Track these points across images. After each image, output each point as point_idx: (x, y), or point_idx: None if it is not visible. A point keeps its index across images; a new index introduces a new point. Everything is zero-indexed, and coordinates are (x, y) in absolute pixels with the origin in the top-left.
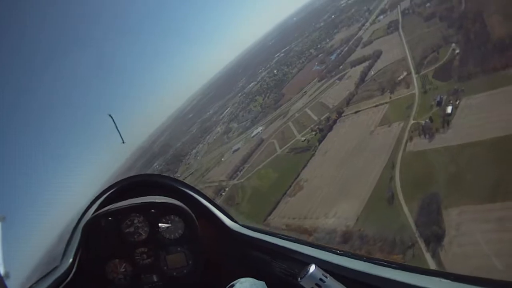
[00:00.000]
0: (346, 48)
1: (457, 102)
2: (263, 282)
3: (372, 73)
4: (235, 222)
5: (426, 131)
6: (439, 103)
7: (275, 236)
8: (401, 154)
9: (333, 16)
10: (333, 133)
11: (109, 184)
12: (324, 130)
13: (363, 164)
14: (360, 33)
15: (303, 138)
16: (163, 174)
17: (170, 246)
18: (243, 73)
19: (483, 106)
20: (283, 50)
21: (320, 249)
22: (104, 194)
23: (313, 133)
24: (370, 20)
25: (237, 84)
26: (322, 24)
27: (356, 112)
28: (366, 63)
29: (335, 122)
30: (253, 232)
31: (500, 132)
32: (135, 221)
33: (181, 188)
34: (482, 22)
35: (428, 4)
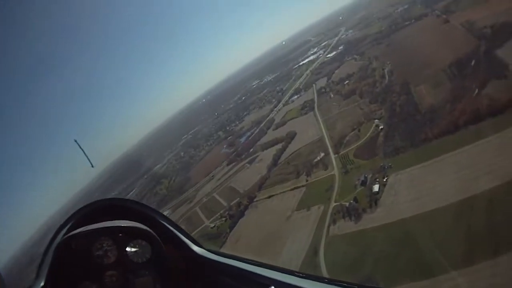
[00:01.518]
0: (257, 130)
1: (385, 179)
2: None
3: (286, 155)
4: (201, 246)
5: (352, 213)
6: (363, 183)
7: (239, 260)
8: (324, 239)
9: (243, 98)
10: (245, 219)
11: (79, 207)
12: (234, 216)
13: (281, 253)
14: (272, 114)
15: (212, 225)
16: (131, 199)
17: (138, 270)
18: (150, 155)
19: (416, 179)
20: (190, 132)
21: (283, 272)
22: (75, 217)
23: (223, 219)
24: (283, 101)
25: (143, 167)
26: (232, 105)
27: (269, 196)
28: (279, 145)
29: (246, 207)
30: (218, 256)
31: (435, 204)
32: (104, 244)
33: (148, 213)
34: (408, 94)
35: (346, 82)
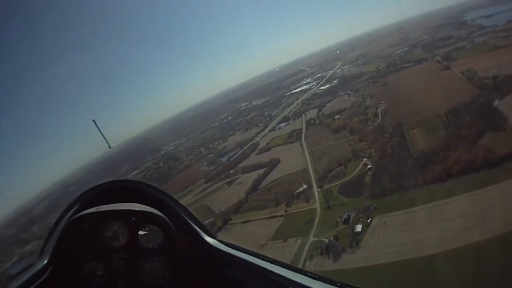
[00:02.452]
0: (240, 152)
1: (369, 220)
2: None
3: (267, 182)
4: (213, 237)
5: (331, 250)
6: (346, 221)
7: (252, 255)
8: None
9: (230, 118)
10: None
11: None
12: None
13: None
14: (258, 138)
15: None
16: (146, 183)
17: (147, 255)
18: (129, 159)
19: (402, 224)
20: (172, 144)
21: (297, 272)
22: (85, 196)
23: None
24: (270, 126)
25: (121, 169)
26: (217, 123)
27: (245, 221)
28: (261, 171)
29: (220, 229)
30: (230, 249)
31: (419, 253)
32: (115, 227)
33: (162, 198)
34: (401, 136)
35: (337, 116)
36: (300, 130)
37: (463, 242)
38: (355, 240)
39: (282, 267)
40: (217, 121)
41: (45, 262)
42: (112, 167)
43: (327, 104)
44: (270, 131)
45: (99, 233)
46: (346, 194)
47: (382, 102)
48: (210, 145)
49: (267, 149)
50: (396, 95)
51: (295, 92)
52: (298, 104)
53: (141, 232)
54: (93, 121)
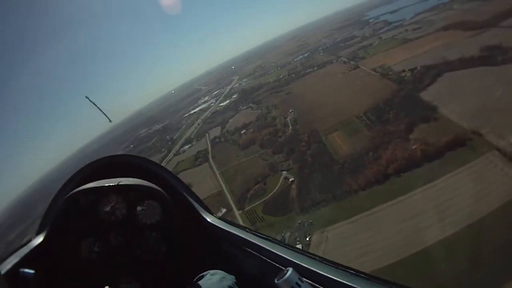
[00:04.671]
0: None
1: (308, 238)
2: (233, 277)
3: None
4: (211, 214)
5: None
6: None
7: (250, 233)
8: None
9: (131, 146)
10: None
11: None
12: None
13: None
14: (163, 164)
15: None
16: (146, 158)
17: (145, 231)
18: (42, 201)
19: (347, 237)
20: None
21: (297, 253)
22: (83, 171)
23: None
24: (173, 150)
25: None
26: (120, 153)
27: None
28: None
29: None
30: (229, 226)
31: (375, 265)
32: (113, 202)
33: (161, 173)
34: (319, 142)
35: (243, 131)
36: (206, 150)
37: (420, 247)
38: None
39: (282, 246)
40: (119, 151)
41: (43, 238)
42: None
43: (230, 120)
44: (174, 155)
45: (97, 209)
46: (273, 213)
47: (290, 111)
48: None
49: None
50: (304, 102)
51: (194, 112)
52: (199, 124)
53: (139, 208)
54: (86, 97)
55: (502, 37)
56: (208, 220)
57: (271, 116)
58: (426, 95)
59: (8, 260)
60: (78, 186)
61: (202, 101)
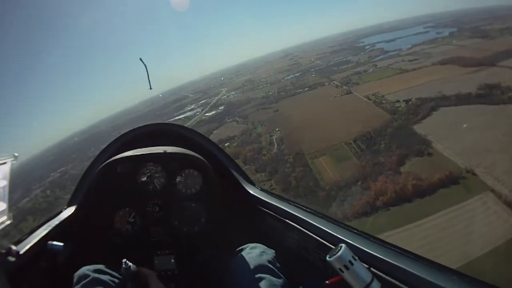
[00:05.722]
0: None
1: None
2: (273, 251)
3: None
4: (253, 185)
5: None
6: None
7: (294, 206)
8: None
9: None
10: None
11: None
12: None
13: None
14: None
15: None
16: (187, 126)
17: (184, 201)
18: (20, 185)
19: None
20: (59, 170)
21: (347, 230)
22: (121, 140)
23: None
24: None
25: (11, 196)
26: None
27: None
28: None
29: None
30: (271, 197)
31: None
32: (152, 171)
33: (203, 142)
34: (305, 166)
35: (227, 144)
36: None
37: None
38: None
39: (330, 222)
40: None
41: (75, 208)
42: None
43: (214, 131)
44: None
45: (135, 178)
46: None
47: (277, 129)
48: None
49: None
50: (292, 122)
51: (178, 119)
52: None
53: (179, 178)
54: (140, 59)
55: (500, 76)
56: (250, 191)
57: (256, 132)
58: (421, 128)
59: (36, 232)
60: (116, 154)
61: (188, 108)
